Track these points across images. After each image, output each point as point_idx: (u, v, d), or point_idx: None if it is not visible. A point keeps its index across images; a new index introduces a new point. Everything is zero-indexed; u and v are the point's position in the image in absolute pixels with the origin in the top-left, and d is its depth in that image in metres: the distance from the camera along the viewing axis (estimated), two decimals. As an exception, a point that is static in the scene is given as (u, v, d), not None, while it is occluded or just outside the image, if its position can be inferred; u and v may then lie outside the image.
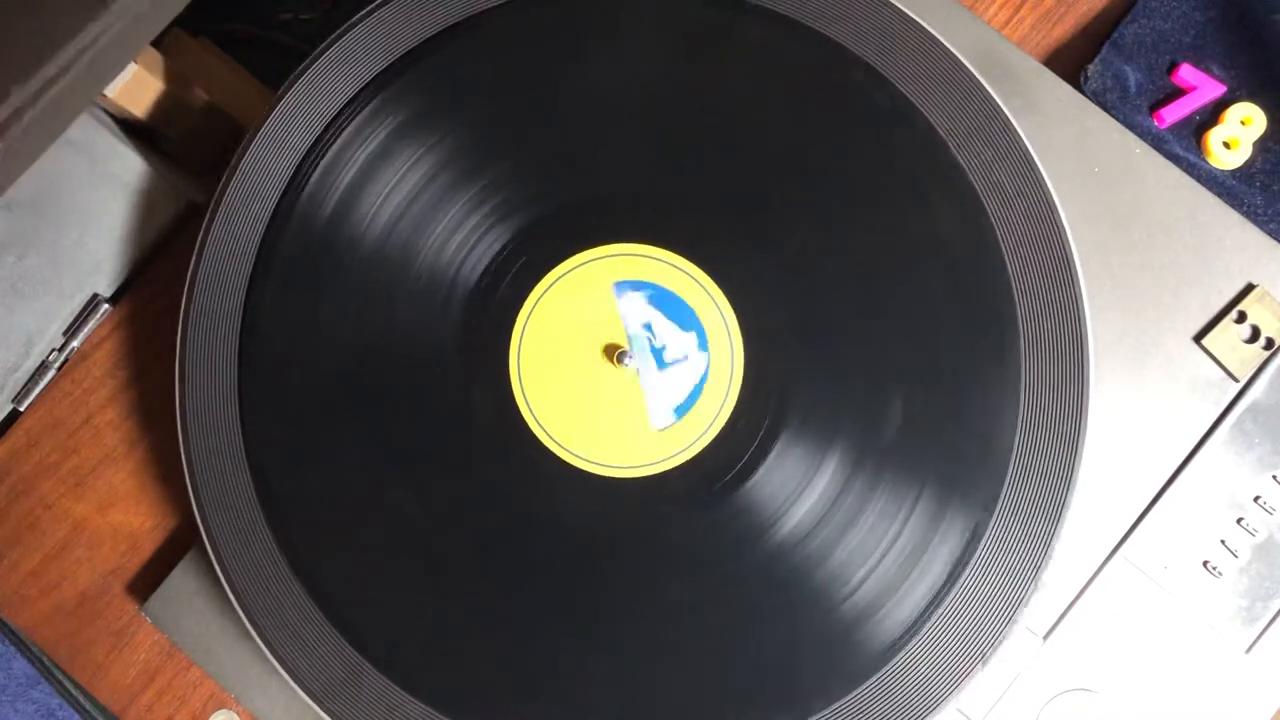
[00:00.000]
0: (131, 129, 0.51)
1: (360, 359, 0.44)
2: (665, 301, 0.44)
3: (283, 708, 0.45)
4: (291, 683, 0.42)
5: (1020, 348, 0.42)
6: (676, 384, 0.43)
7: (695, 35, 0.45)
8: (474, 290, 0.44)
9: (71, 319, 0.49)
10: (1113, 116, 0.46)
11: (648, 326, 0.44)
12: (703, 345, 0.43)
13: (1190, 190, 0.45)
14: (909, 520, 0.42)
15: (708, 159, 0.45)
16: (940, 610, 0.41)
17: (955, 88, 0.44)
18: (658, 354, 0.44)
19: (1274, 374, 0.44)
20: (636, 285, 0.44)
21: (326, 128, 0.45)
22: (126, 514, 0.47)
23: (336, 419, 0.44)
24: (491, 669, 0.42)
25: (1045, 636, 0.43)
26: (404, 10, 0.45)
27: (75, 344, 0.48)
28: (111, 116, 0.50)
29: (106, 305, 0.49)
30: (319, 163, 0.45)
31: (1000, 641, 0.41)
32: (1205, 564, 0.43)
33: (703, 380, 0.43)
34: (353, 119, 0.45)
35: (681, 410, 0.43)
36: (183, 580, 0.45)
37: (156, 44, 0.49)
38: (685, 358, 0.43)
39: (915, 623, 0.41)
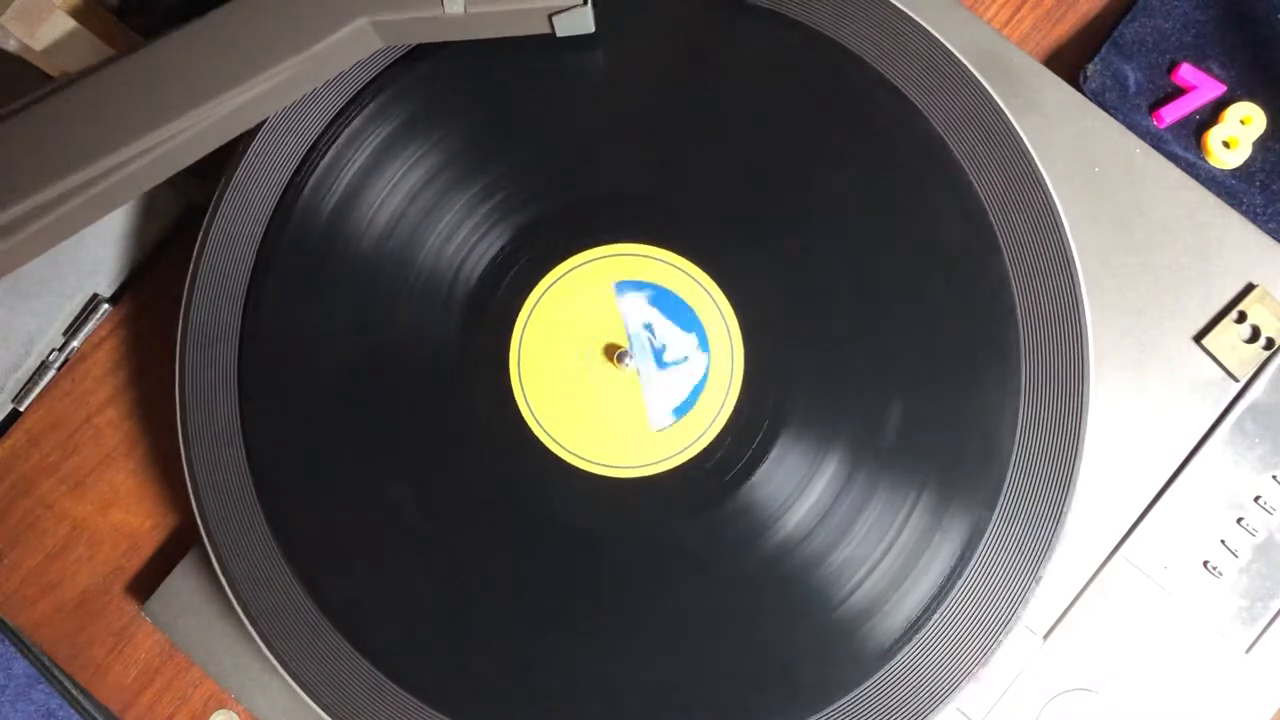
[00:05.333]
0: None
1: (360, 359, 0.44)
2: (666, 302, 0.44)
3: (283, 708, 0.45)
4: (291, 682, 0.42)
5: (1020, 348, 0.42)
6: (676, 384, 0.43)
7: (695, 35, 0.45)
8: (474, 290, 0.44)
9: (71, 319, 0.49)
10: (1112, 116, 0.46)
11: (648, 326, 0.44)
12: (703, 346, 0.43)
13: (1190, 190, 0.45)
14: (909, 520, 0.42)
15: (707, 159, 0.45)
16: (940, 610, 0.41)
17: (955, 88, 0.44)
18: (658, 354, 0.44)
19: (1274, 374, 0.44)
20: (638, 285, 0.44)
21: (327, 127, 0.45)
22: (126, 514, 0.47)
23: (336, 419, 0.44)
24: (491, 668, 0.42)
25: (1045, 636, 0.43)
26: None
27: (75, 344, 0.48)
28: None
29: (106, 305, 0.49)
30: (319, 163, 0.45)
31: (1000, 641, 0.41)
32: (1205, 564, 0.43)
33: (703, 381, 0.43)
34: (353, 119, 0.45)
35: (681, 411, 0.43)
36: (183, 580, 0.45)
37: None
38: (685, 358, 0.43)
39: (915, 623, 0.41)
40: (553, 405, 0.43)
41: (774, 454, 0.42)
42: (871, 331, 0.43)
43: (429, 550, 0.43)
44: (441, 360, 0.44)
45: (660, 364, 0.43)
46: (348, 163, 0.45)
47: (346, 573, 0.43)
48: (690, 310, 0.43)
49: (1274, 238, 0.45)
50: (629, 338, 0.43)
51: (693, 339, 0.43)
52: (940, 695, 0.41)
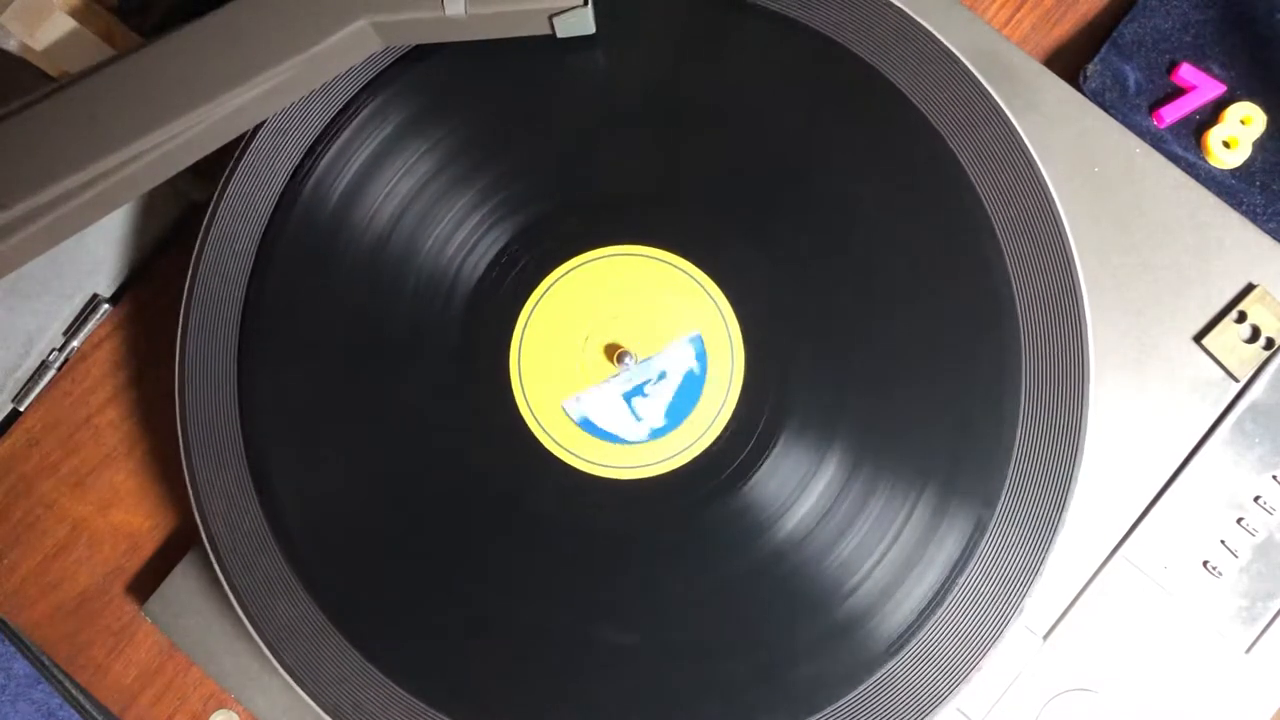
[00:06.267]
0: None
1: (360, 359, 0.44)
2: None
3: (283, 708, 0.45)
4: (291, 682, 0.42)
5: (1020, 348, 0.42)
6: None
7: (695, 35, 0.45)
8: (474, 290, 0.44)
9: (71, 319, 0.49)
10: (1112, 116, 0.46)
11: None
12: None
13: (1190, 190, 0.45)
14: (909, 520, 0.42)
15: (708, 159, 0.45)
16: (940, 610, 0.41)
17: (955, 87, 0.44)
18: (640, 388, 0.44)
19: (1274, 374, 0.44)
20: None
21: (327, 127, 0.45)
22: (126, 514, 0.47)
23: (336, 419, 0.44)
24: (491, 668, 0.42)
25: (1045, 636, 0.43)
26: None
27: (75, 344, 0.48)
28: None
29: (106, 305, 0.49)
30: (319, 162, 0.45)
31: (1000, 641, 0.41)
32: (1205, 564, 0.43)
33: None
34: (354, 118, 0.45)
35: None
36: (183, 580, 0.45)
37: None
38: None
39: (915, 623, 0.41)
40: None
41: (774, 454, 0.42)
42: (872, 331, 0.43)
43: (428, 550, 0.43)
44: (441, 361, 0.44)
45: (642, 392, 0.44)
46: (348, 163, 0.45)
47: (346, 572, 0.43)
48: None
49: (1274, 238, 0.45)
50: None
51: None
52: (940, 695, 0.41)
